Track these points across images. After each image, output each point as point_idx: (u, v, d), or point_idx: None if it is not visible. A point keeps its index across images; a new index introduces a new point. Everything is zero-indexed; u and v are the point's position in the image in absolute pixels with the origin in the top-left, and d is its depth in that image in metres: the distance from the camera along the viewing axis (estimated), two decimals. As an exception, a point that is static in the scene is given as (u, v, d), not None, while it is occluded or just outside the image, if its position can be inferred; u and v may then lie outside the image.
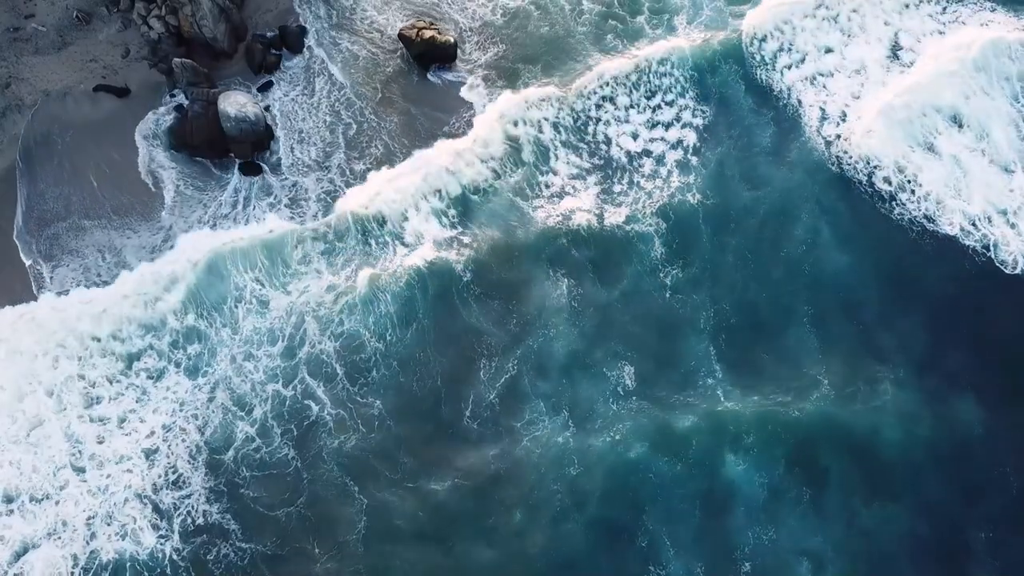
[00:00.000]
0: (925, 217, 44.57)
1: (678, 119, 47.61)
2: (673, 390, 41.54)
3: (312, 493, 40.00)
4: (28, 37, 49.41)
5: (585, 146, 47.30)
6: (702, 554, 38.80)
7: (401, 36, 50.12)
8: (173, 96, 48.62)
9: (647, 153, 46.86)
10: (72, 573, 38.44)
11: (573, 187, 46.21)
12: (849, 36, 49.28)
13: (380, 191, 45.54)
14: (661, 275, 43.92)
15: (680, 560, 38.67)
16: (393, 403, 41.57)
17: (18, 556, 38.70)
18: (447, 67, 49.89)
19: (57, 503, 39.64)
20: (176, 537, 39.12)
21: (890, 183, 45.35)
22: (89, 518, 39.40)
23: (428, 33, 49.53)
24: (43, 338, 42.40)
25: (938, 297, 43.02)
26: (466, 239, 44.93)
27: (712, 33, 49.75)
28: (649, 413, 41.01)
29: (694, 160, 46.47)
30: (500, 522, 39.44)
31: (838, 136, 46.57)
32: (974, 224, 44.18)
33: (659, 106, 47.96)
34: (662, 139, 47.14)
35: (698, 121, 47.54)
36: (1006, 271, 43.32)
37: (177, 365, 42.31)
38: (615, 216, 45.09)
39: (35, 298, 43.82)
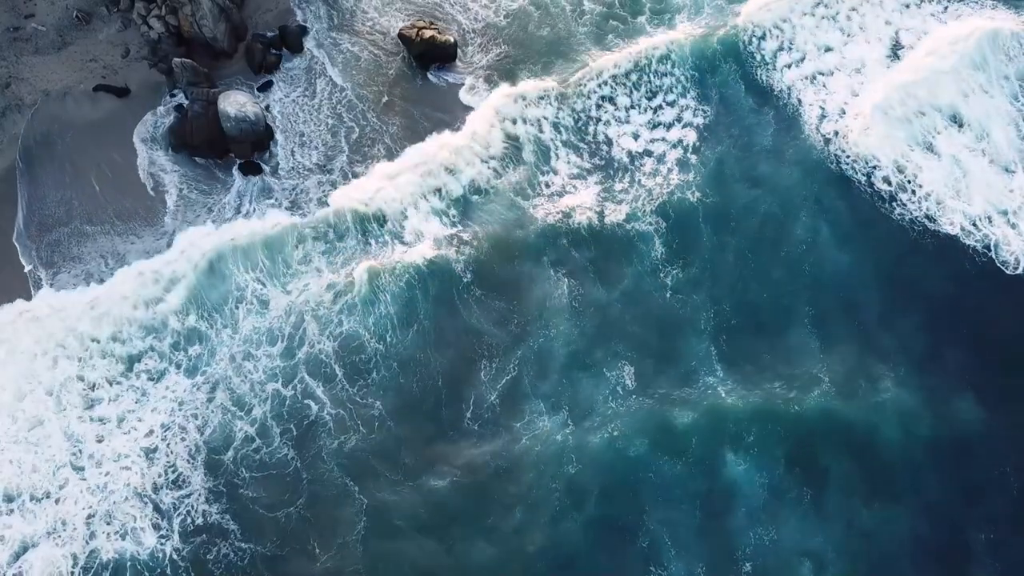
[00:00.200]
0: (926, 217, 44.53)
1: (679, 119, 47.59)
2: (673, 389, 41.49)
3: (312, 493, 39.98)
4: (28, 37, 49.40)
5: (586, 146, 47.29)
6: (702, 553, 38.76)
7: (401, 36, 50.09)
8: (173, 96, 48.60)
9: (648, 152, 46.85)
10: (72, 572, 38.42)
11: (574, 186, 46.19)
12: (849, 36, 49.26)
13: (380, 188, 45.47)
14: (661, 274, 43.89)
15: (680, 560, 38.64)
16: (393, 403, 41.55)
17: (17, 556, 38.66)
18: (447, 67, 49.86)
19: (57, 502, 39.62)
20: (176, 537, 39.11)
21: (890, 183, 45.32)
22: (89, 516, 39.39)
23: (428, 33, 49.50)
24: (43, 338, 42.39)
25: (939, 297, 42.98)
26: (466, 237, 44.89)
27: (710, 27, 49.66)
28: (649, 412, 40.96)
29: (695, 159, 46.44)
30: (500, 522, 39.41)
31: (836, 133, 46.54)
32: (975, 224, 44.14)
33: (660, 106, 47.93)
34: (663, 139, 47.12)
35: (699, 120, 47.52)
36: (1007, 271, 43.27)
37: (177, 366, 42.29)
38: (616, 214, 45.06)
39: (31, 296, 43.74)
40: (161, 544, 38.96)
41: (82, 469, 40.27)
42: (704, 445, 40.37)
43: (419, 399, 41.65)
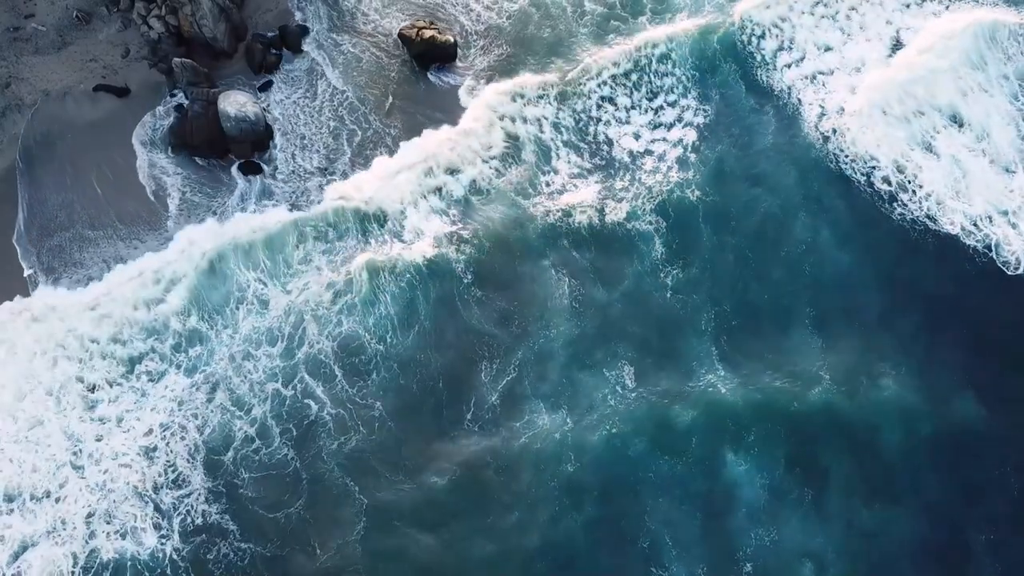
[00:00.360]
0: (927, 216, 44.47)
1: (680, 119, 47.55)
2: (673, 388, 41.46)
3: (312, 493, 39.98)
4: (28, 37, 49.39)
5: (586, 146, 47.26)
6: (702, 553, 38.77)
7: (401, 36, 50.05)
8: (173, 96, 48.57)
9: (648, 152, 46.82)
10: (73, 572, 38.42)
11: (574, 184, 46.15)
12: (849, 35, 49.20)
13: (380, 187, 45.45)
14: (662, 273, 43.86)
15: (680, 560, 38.65)
16: (393, 403, 41.54)
17: (17, 556, 38.66)
18: (447, 67, 49.81)
19: (57, 501, 39.61)
20: (176, 537, 39.10)
21: (890, 183, 45.28)
22: (88, 515, 39.38)
23: (428, 33, 49.46)
24: (43, 338, 42.40)
25: (939, 297, 42.96)
26: (467, 236, 44.85)
27: (709, 23, 49.55)
28: (650, 411, 40.95)
29: (695, 158, 46.40)
30: (500, 521, 39.41)
31: (836, 132, 46.47)
32: (975, 224, 44.08)
33: (661, 107, 47.88)
34: (663, 139, 47.09)
35: (699, 120, 47.48)
36: (1008, 272, 43.22)
37: (177, 366, 42.28)
38: (616, 213, 45.01)
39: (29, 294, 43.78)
40: (161, 544, 38.96)
41: (81, 468, 40.28)
42: (704, 444, 40.35)
43: (419, 399, 41.64)
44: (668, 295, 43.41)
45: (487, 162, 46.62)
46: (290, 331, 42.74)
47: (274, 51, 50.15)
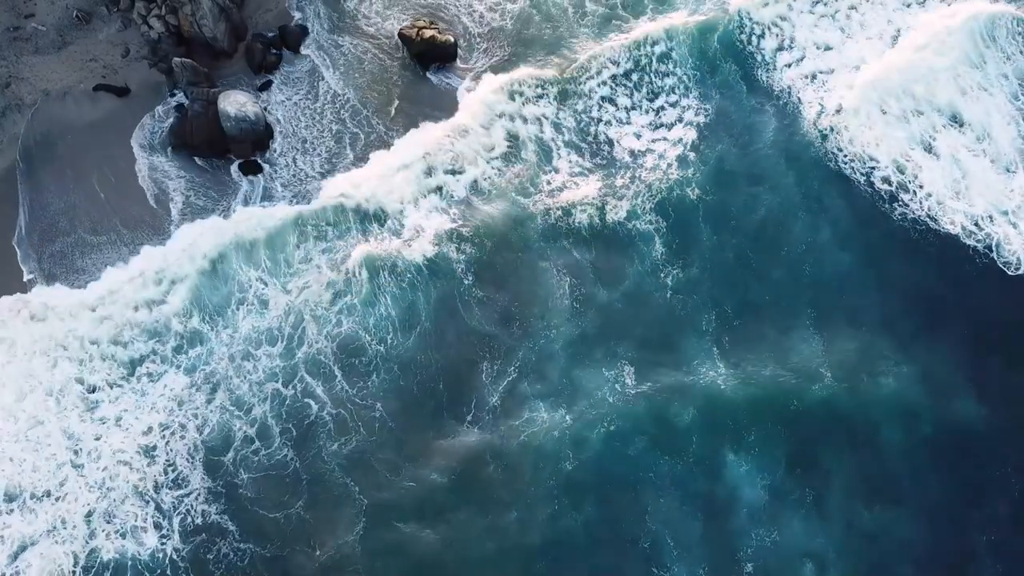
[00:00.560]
0: (927, 216, 44.39)
1: (680, 119, 47.49)
2: (674, 387, 41.41)
3: (312, 493, 39.97)
4: (28, 36, 49.38)
5: (587, 145, 47.21)
6: (702, 554, 38.75)
7: (401, 36, 50.03)
8: (173, 96, 48.55)
9: (649, 151, 46.74)
10: (73, 572, 38.41)
11: (575, 182, 46.07)
12: (849, 34, 49.13)
13: (380, 185, 45.40)
14: (662, 272, 43.80)
15: (680, 560, 38.62)
16: (393, 403, 41.51)
17: (16, 556, 38.65)
18: (447, 67, 49.78)
19: (57, 500, 39.58)
20: (176, 536, 39.09)
21: (890, 183, 45.19)
22: (88, 515, 39.35)
23: (428, 33, 49.43)
24: (43, 338, 42.38)
25: (940, 297, 42.91)
26: (467, 234, 44.81)
27: (708, 18, 49.51)
28: (650, 411, 40.93)
29: (695, 157, 46.30)
30: (501, 522, 39.38)
31: (832, 129, 46.36)
32: (976, 224, 44.00)
33: (663, 107, 47.81)
34: (664, 138, 47.03)
35: (700, 120, 47.40)
36: (1008, 272, 43.16)
37: (177, 366, 42.26)
38: (617, 212, 44.95)
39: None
40: (162, 544, 38.95)
41: (81, 466, 40.26)
42: (705, 444, 40.35)
43: (419, 399, 41.62)
44: (668, 294, 43.37)
45: (488, 162, 46.59)
46: (290, 331, 42.71)
47: (274, 51, 50.14)
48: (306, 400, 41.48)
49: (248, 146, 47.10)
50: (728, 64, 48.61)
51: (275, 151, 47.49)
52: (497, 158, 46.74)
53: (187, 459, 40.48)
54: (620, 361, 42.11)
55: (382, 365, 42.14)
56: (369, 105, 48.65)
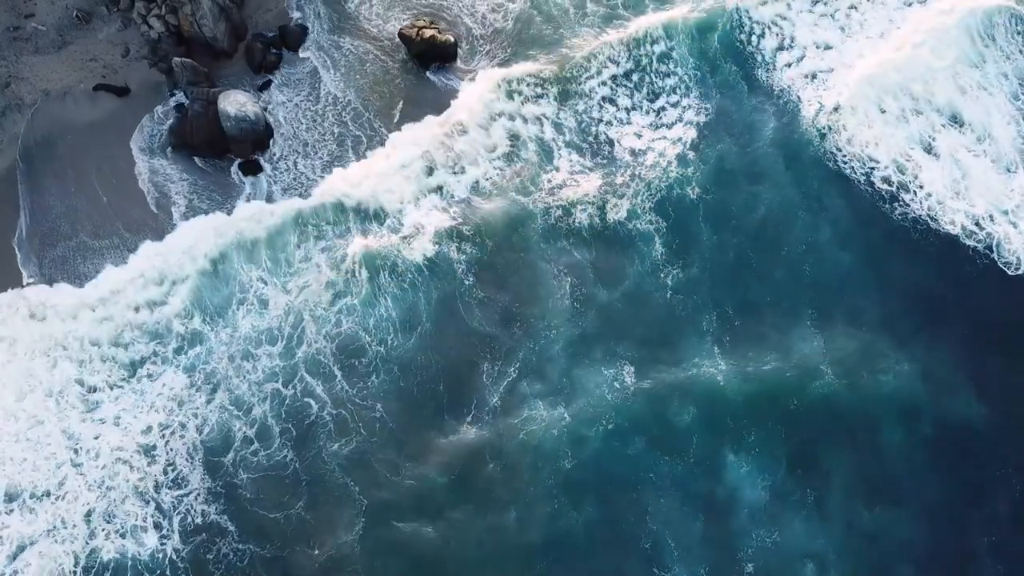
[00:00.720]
0: (928, 216, 44.34)
1: (680, 119, 47.47)
2: (674, 386, 41.39)
3: (312, 493, 39.98)
4: (28, 36, 49.38)
5: (587, 145, 47.18)
6: (703, 554, 38.74)
7: (401, 35, 49.98)
8: (173, 95, 48.54)
9: (649, 150, 46.69)
10: (74, 572, 38.40)
11: (575, 180, 46.03)
12: (849, 34, 49.09)
13: (379, 183, 45.40)
14: (662, 271, 43.77)
15: (681, 561, 38.59)
16: (393, 403, 41.50)
17: (15, 556, 38.64)
18: (447, 67, 49.76)
19: (56, 500, 39.56)
20: (176, 536, 39.09)
21: (890, 183, 45.14)
22: (88, 514, 39.33)
23: (428, 32, 49.41)
24: (43, 337, 42.38)
25: (940, 297, 42.87)
26: (467, 233, 44.79)
27: (706, 13, 49.47)
28: (650, 410, 40.92)
29: (695, 156, 46.25)
30: (501, 522, 39.36)
31: (830, 128, 46.32)
32: (977, 224, 43.95)
33: (663, 108, 47.78)
34: (664, 137, 47.01)
35: (700, 119, 47.36)
36: (1009, 272, 43.13)
37: (176, 366, 42.25)
38: (617, 210, 44.93)
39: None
40: (162, 544, 38.94)
41: (81, 465, 40.23)
42: (705, 444, 40.34)
43: (419, 399, 41.60)
44: (668, 294, 43.36)
45: (490, 161, 46.56)
46: (290, 330, 42.70)
47: (274, 51, 50.12)
48: (306, 400, 41.47)
49: (248, 146, 47.10)
50: (728, 64, 48.58)
51: (276, 155, 47.42)
52: (498, 158, 46.71)
53: (187, 459, 40.48)
54: (620, 360, 42.10)
55: (382, 365, 42.12)
56: (371, 107, 48.58)
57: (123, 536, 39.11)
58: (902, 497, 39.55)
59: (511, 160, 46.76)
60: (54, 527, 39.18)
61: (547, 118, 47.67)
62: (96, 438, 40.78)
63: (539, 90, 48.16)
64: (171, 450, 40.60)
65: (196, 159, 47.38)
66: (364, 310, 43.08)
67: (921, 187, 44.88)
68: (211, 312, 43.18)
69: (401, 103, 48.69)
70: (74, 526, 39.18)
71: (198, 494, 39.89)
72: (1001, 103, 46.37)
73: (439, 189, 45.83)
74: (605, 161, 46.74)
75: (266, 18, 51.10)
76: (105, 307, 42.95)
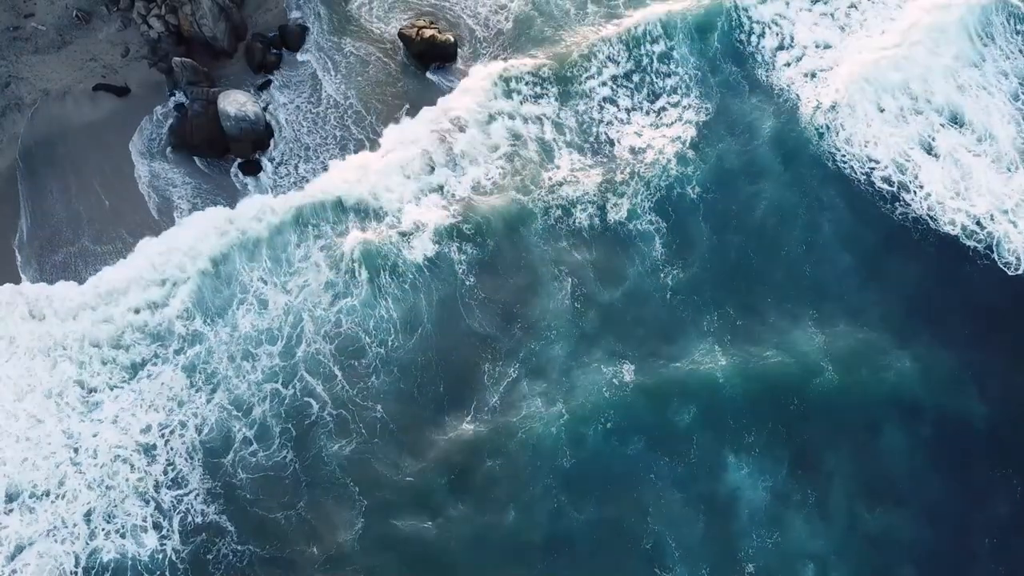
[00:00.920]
0: (928, 216, 44.32)
1: (680, 118, 47.49)
2: (674, 385, 41.37)
3: (311, 494, 39.92)
4: (28, 36, 49.40)
5: (588, 145, 47.19)
6: (703, 554, 38.70)
7: (401, 35, 50.00)
8: (173, 95, 48.54)
9: (649, 149, 46.68)
10: (73, 572, 38.35)
11: (575, 177, 46.01)
12: (849, 33, 49.11)
13: (378, 182, 45.38)
14: (662, 271, 43.76)
15: (681, 559, 38.57)
16: (393, 403, 41.46)
17: (14, 556, 38.60)
18: (447, 67, 49.77)
19: (56, 499, 39.51)
20: (176, 537, 39.05)
21: (890, 182, 45.13)
22: (88, 513, 39.29)
23: (428, 32, 49.42)
24: (43, 337, 42.34)
25: (941, 297, 42.87)
26: (467, 233, 44.78)
27: (701, 7, 49.46)
28: (651, 410, 40.90)
29: (695, 155, 46.23)
30: (501, 522, 39.32)
31: (828, 127, 46.31)
32: (978, 223, 43.93)
33: (664, 108, 47.80)
34: (664, 137, 47.03)
35: (700, 118, 47.35)
36: (1009, 272, 43.14)
37: (176, 366, 42.21)
38: (617, 210, 44.93)
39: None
40: (162, 544, 38.90)
41: (80, 465, 40.19)
42: (706, 443, 40.32)
43: (419, 399, 41.57)
44: (668, 294, 43.35)
45: (491, 161, 46.56)
46: (289, 330, 42.67)
47: (274, 51, 50.14)
48: (306, 400, 41.44)
49: (248, 145, 47.11)
50: (728, 64, 48.59)
51: (277, 159, 47.36)
52: (500, 157, 46.70)
53: (187, 459, 40.44)
54: (620, 360, 42.07)
55: (382, 365, 42.10)
56: (373, 110, 48.55)
57: (123, 536, 39.07)
58: (903, 497, 39.53)
59: (512, 159, 46.74)
60: (54, 527, 39.15)
61: (547, 118, 47.68)
62: (95, 436, 40.72)
63: (539, 90, 48.17)
64: (171, 450, 40.58)
65: (196, 160, 47.39)
66: (364, 310, 43.07)
67: (921, 187, 44.87)
68: (212, 312, 43.14)
69: (403, 106, 48.65)
70: (74, 526, 39.14)
71: (198, 494, 39.86)
72: (1001, 103, 46.38)
73: (440, 188, 45.82)
74: (606, 160, 46.76)
75: (266, 18, 51.13)
76: (106, 307, 42.87)
